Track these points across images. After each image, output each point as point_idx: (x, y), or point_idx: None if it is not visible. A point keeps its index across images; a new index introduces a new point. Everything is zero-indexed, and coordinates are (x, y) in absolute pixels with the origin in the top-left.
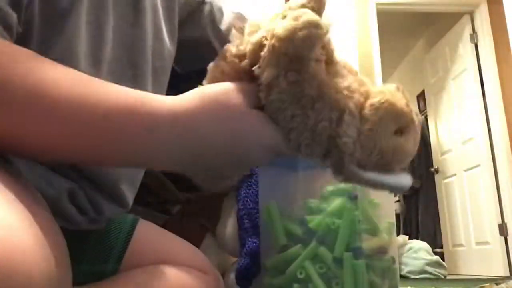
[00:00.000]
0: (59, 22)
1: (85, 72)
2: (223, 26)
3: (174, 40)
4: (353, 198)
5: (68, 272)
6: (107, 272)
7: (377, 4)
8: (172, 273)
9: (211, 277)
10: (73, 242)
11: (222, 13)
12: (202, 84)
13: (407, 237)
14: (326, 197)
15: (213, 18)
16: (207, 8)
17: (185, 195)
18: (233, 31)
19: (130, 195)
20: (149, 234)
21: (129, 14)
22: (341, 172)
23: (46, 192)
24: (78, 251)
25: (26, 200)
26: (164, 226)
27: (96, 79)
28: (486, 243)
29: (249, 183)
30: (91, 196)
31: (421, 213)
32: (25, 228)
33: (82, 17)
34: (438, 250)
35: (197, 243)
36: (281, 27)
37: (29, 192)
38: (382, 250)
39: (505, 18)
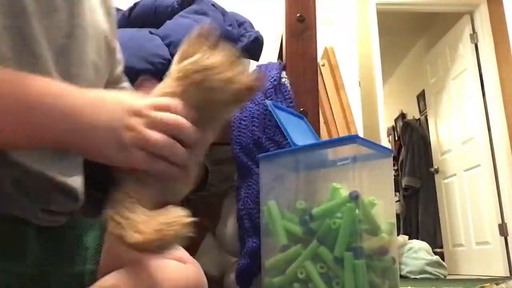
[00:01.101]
0: None
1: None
2: None
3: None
4: (353, 197)
5: None
6: (86, 274)
7: (377, 4)
8: (152, 268)
9: (191, 265)
10: (53, 245)
11: None
12: None
13: (407, 237)
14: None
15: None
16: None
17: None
18: None
19: (78, 187)
20: None
21: (64, 27)
22: None
23: None
24: (57, 256)
25: None
26: None
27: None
28: (486, 243)
29: (249, 183)
30: (40, 186)
31: (421, 213)
32: None
33: None
34: (438, 250)
35: (197, 243)
36: None
37: None
38: (382, 250)
39: (505, 18)
